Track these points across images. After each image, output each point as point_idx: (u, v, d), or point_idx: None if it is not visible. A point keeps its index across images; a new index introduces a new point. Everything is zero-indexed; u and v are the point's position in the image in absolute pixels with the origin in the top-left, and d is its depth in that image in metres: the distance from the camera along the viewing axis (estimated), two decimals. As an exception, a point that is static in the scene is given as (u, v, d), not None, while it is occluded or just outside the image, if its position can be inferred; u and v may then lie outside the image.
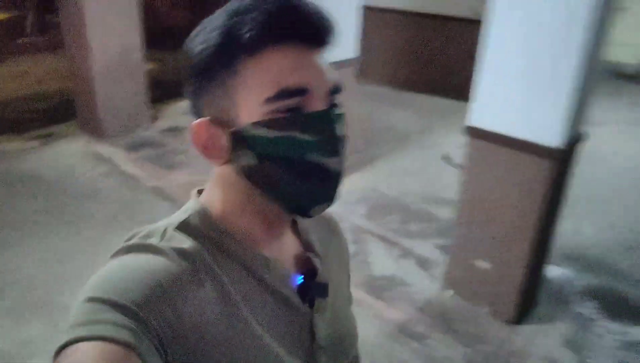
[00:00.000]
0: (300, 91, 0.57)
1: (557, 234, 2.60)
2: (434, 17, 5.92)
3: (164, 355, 0.52)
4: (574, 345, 2.46)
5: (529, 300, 2.60)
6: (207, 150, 0.61)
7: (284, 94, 0.56)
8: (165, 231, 0.62)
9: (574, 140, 2.24)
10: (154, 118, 4.92)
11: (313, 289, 0.68)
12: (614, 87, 6.78)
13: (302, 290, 0.67)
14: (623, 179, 4.21)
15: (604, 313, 2.68)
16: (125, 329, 0.50)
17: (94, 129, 4.47)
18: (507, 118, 2.26)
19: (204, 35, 0.58)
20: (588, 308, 2.71)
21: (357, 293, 2.65)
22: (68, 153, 4.28)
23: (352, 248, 2.65)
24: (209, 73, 0.59)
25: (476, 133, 2.39)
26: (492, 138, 2.33)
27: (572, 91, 2.05)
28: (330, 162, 0.59)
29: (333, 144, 0.59)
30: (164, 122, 4.91)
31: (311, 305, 0.68)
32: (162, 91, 5.36)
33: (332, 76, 0.61)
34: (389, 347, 2.42)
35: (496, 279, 2.52)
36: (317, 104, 0.58)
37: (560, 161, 2.18)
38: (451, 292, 2.72)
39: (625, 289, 2.88)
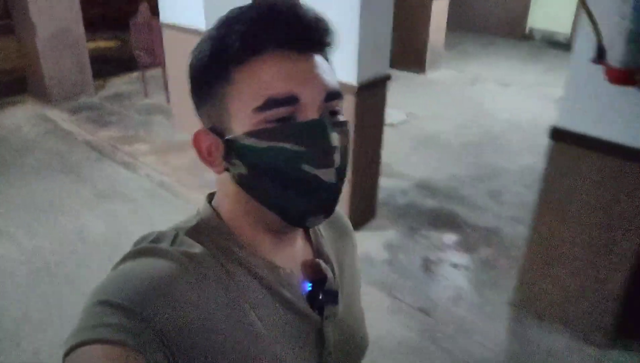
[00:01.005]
0: (289, 100, 0.55)
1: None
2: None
3: (170, 359, 0.52)
4: (391, 246, 3.07)
5: (369, 212, 3.21)
6: (207, 158, 0.62)
7: (272, 103, 0.55)
8: (175, 236, 0.61)
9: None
10: (100, 87, 5.52)
11: (322, 296, 0.67)
12: (539, 53, 7.30)
13: (311, 297, 0.66)
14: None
15: (430, 226, 3.29)
16: (130, 332, 0.50)
17: (42, 96, 5.10)
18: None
19: (200, 45, 0.59)
20: (418, 222, 3.31)
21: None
22: (17, 116, 4.91)
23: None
24: (204, 83, 0.59)
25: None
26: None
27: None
28: (322, 173, 0.56)
29: (324, 155, 0.56)
30: (107, 91, 5.52)
31: (321, 313, 0.66)
32: (111, 66, 5.95)
33: (329, 81, 0.58)
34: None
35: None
36: (309, 113, 0.56)
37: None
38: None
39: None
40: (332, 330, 0.67)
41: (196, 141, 0.62)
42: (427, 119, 4.98)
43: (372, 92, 2.88)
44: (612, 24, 1.82)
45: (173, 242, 0.60)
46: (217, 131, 0.60)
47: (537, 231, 2.41)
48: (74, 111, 4.96)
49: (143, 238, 0.62)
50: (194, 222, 0.64)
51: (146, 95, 5.29)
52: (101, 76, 5.68)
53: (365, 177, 3.09)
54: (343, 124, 0.60)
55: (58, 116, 4.86)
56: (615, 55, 1.84)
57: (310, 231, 0.73)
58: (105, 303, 0.52)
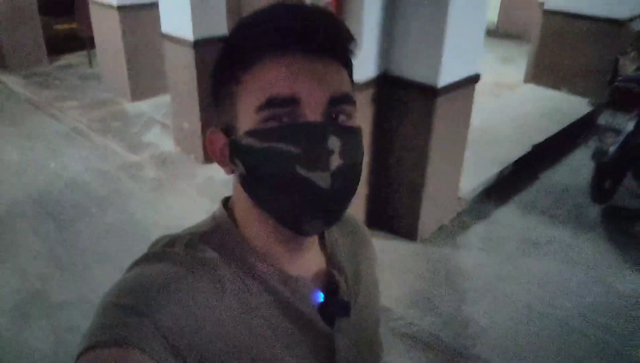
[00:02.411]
0: (289, 101, 0.55)
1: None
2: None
3: (181, 362, 0.53)
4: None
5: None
6: (220, 159, 0.62)
7: (273, 102, 0.55)
8: (189, 240, 0.62)
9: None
10: (55, 60, 6.44)
11: (333, 307, 0.66)
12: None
13: (323, 308, 0.65)
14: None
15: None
16: (142, 335, 0.51)
17: (1, 64, 6.04)
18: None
19: (219, 49, 0.61)
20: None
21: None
22: (-23, 80, 5.85)
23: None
24: (218, 84, 0.61)
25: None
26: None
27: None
28: (316, 177, 0.55)
29: (319, 158, 0.55)
30: (60, 63, 6.42)
31: (332, 324, 0.65)
32: (69, 44, 6.83)
33: (335, 85, 0.57)
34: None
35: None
36: (311, 115, 0.56)
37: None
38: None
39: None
40: (343, 341, 0.66)
41: (210, 141, 0.62)
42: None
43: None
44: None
45: (186, 247, 0.61)
46: (226, 131, 0.61)
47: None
48: (26, 77, 5.88)
49: (157, 241, 0.63)
50: (208, 227, 0.64)
51: (90, 65, 6.18)
52: (60, 52, 6.59)
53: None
54: (349, 129, 0.58)
55: (11, 80, 5.78)
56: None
57: (326, 239, 0.71)
58: (117, 306, 0.53)
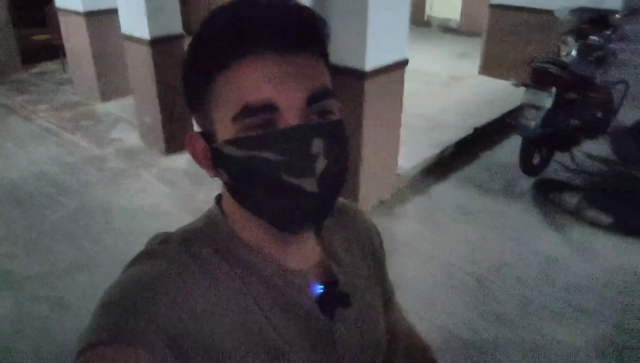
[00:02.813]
0: (265, 107, 0.54)
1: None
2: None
3: (180, 359, 0.53)
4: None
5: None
6: (202, 162, 0.61)
7: (248, 111, 0.54)
8: (184, 237, 0.62)
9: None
10: (32, 67, 6.69)
11: (333, 299, 0.66)
12: (437, 37, 8.34)
13: (322, 300, 0.65)
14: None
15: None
16: (138, 333, 0.51)
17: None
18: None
19: (187, 51, 0.58)
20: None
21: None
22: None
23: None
24: (191, 89, 0.59)
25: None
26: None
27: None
28: (304, 182, 0.54)
29: (304, 164, 0.54)
30: (36, 70, 6.68)
31: (332, 316, 0.65)
32: (45, 53, 7.08)
33: (312, 83, 0.56)
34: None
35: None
36: (290, 119, 0.54)
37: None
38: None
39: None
40: (343, 332, 0.66)
41: (190, 143, 0.61)
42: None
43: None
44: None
45: (181, 244, 0.61)
46: (205, 136, 0.60)
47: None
48: (1, 84, 6.13)
49: (153, 239, 0.64)
50: (202, 224, 0.64)
51: (64, 70, 6.44)
52: (37, 61, 6.84)
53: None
54: (330, 125, 0.57)
55: (-15, 86, 6.04)
56: None
57: (322, 231, 0.70)
58: (117, 305, 0.54)
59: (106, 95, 5.34)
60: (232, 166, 0.57)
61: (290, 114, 0.54)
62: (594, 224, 3.32)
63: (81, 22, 5.05)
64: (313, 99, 0.56)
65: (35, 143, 4.65)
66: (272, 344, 0.60)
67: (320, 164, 0.55)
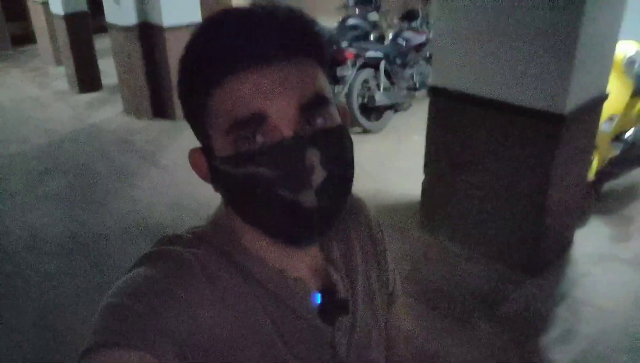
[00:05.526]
0: (255, 119, 0.53)
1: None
2: None
3: (184, 361, 0.53)
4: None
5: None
6: (204, 178, 0.62)
7: (239, 124, 0.54)
8: (189, 240, 0.62)
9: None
10: (20, 44, 8.91)
11: (332, 307, 0.65)
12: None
13: (322, 307, 0.65)
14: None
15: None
16: (143, 335, 0.51)
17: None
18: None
19: (180, 64, 0.57)
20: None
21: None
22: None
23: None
24: (187, 106, 0.59)
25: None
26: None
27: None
28: (302, 197, 0.54)
29: (299, 178, 0.53)
30: (26, 49, 8.83)
31: (331, 323, 0.65)
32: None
33: (304, 90, 0.54)
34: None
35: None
36: (283, 130, 0.53)
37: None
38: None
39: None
40: (344, 340, 0.66)
41: (192, 160, 0.61)
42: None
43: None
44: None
45: (186, 246, 0.61)
46: (205, 152, 0.60)
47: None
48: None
49: (158, 241, 0.64)
50: (207, 227, 0.65)
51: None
52: (22, 42, 9.06)
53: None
54: (327, 132, 0.56)
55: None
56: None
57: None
58: (121, 307, 0.53)
59: (59, 61, 7.39)
60: (229, 183, 0.57)
61: (283, 124, 0.54)
62: None
63: (39, 9, 7.29)
64: (306, 106, 0.55)
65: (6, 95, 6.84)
66: (275, 352, 0.60)
67: (318, 176, 0.54)
